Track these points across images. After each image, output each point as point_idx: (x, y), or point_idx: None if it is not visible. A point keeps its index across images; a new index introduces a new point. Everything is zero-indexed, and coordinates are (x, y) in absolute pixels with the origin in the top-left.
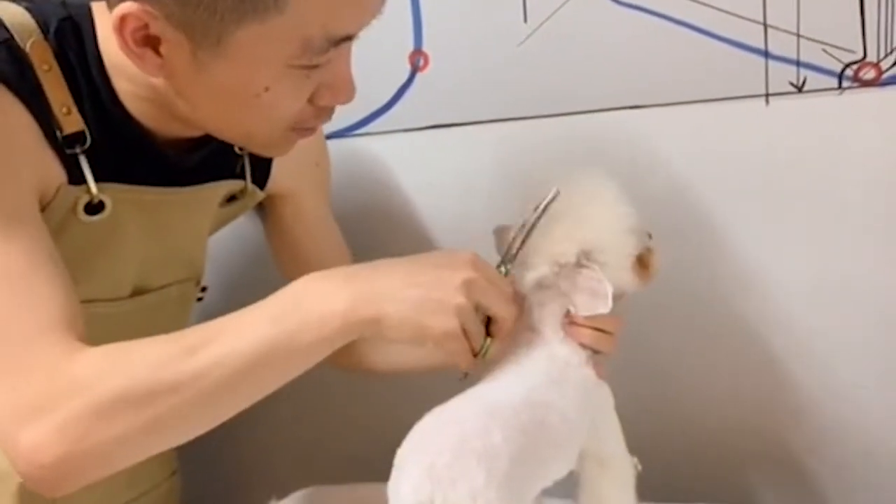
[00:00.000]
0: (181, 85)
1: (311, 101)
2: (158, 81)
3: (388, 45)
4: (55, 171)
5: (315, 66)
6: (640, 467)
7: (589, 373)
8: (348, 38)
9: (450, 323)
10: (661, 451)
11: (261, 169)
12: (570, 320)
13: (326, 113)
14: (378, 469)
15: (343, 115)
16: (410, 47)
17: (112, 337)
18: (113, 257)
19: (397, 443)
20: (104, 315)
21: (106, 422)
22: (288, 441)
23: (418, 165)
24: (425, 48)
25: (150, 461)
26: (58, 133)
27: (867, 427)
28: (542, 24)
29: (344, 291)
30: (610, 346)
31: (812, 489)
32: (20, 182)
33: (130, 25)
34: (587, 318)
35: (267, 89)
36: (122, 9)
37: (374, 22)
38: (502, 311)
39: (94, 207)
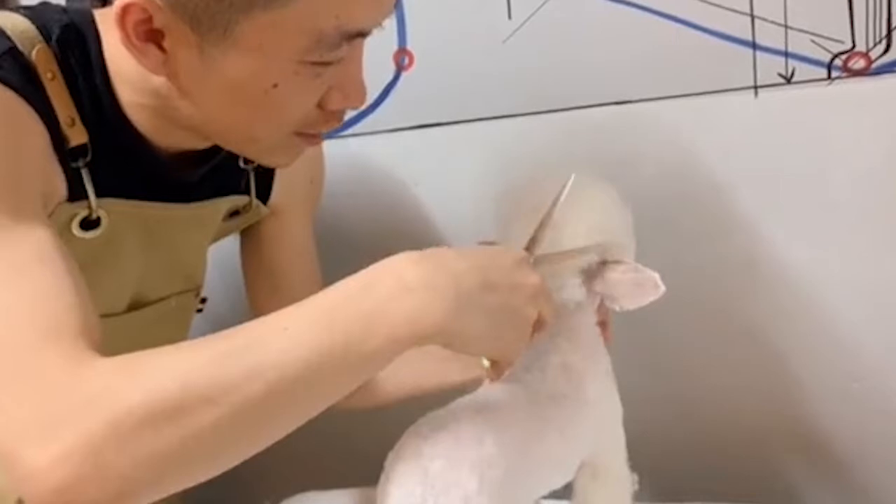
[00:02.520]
0: (185, 82)
1: (320, 105)
2: (160, 82)
3: (373, 45)
4: (58, 186)
5: (326, 64)
6: (637, 486)
7: (609, 383)
8: (361, 35)
9: (523, 338)
10: (673, 450)
11: (264, 184)
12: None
13: (335, 118)
14: (376, 472)
15: None
16: (395, 46)
17: (109, 352)
18: (108, 273)
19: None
20: (102, 332)
21: (125, 443)
22: (283, 445)
23: (405, 165)
24: (410, 47)
25: None
26: (64, 145)
27: (863, 423)
28: (526, 21)
29: (421, 292)
30: None
31: (829, 479)
32: (31, 186)
33: (133, 17)
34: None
35: (275, 86)
36: (122, 2)
37: None
38: (552, 314)
39: (90, 223)
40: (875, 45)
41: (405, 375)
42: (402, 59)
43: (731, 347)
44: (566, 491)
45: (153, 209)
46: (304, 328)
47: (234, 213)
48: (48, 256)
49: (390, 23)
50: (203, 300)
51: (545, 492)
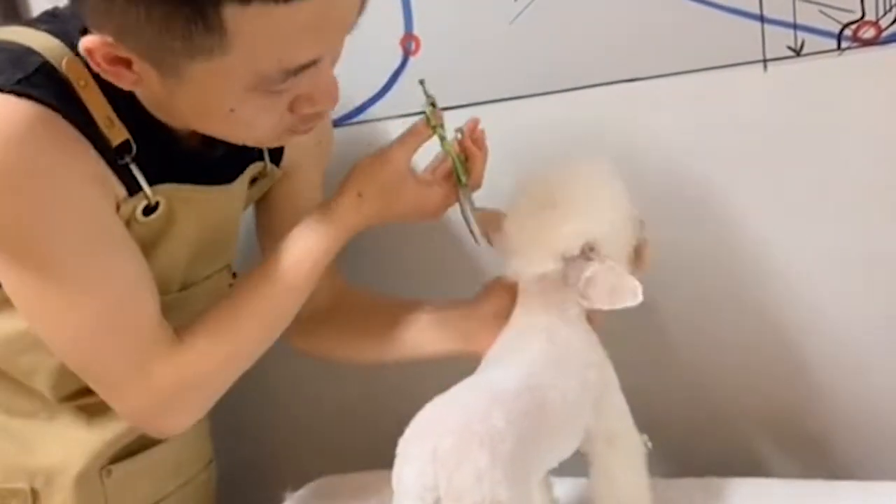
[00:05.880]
0: (160, 99)
1: (291, 109)
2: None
3: (379, 31)
4: (115, 187)
5: (280, 91)
6: (650, 445)
7: (598, 354)
8: (312, 64)
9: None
10: (674, 425)
11: (276, 147)
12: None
13: (313, 118)
14: (394, 455)
15: (339, 104)
16: (401, 32)
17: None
18: (166, 254)
19: None
20: None
21: (207, 398)
22: (303, 433)
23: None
24: (416, 31)
25: (190, 452)
26: (107, 147)
27: (878, 396)
28: (532, 1)
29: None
30: None
31: (825, 458)
32: (103, 198)
33: (99, 53)
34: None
35: (232, 110)
36: (86, 42)
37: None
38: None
39: (150, 209)
40: (885, 13)
41: (387, 343)
42: (409, 44)
43: (742, 325)
44: (580, 468)
45: (197, 192)
46: (306, 284)
47: (253, 181)
48: (133, 277)
49: (395, 7)
50: (234, 275)
51: (555, 462)
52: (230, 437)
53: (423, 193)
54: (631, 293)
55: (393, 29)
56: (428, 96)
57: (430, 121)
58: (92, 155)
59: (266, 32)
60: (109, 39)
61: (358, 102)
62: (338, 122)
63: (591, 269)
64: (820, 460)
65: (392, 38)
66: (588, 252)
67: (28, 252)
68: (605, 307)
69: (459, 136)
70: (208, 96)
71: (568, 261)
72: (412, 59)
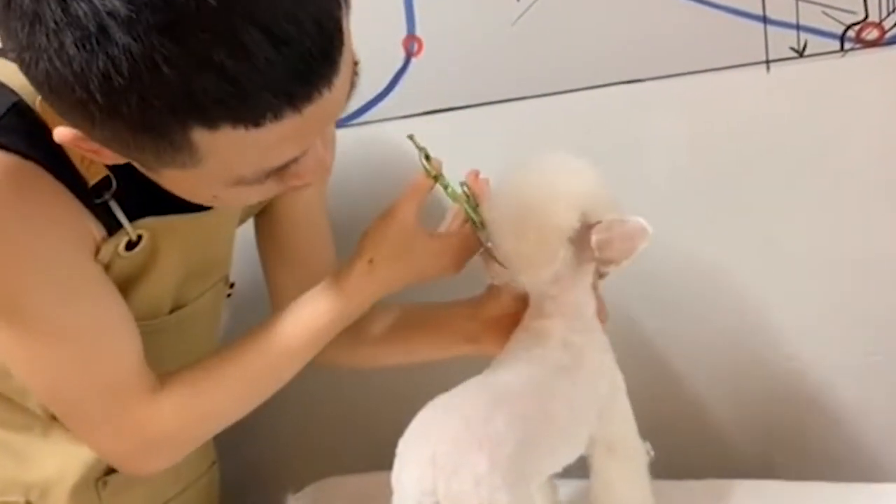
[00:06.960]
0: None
1: (280, 180)
2: None
3: (382, 32)
4: (93, 229)
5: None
6: (652, 453)
7: (609, 358)
8: (294, 161)
9: None
10: (677, 427)
11: None
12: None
13: (303, 187)
14: (393, 457)
15: None
16: (404, 33)
17: (154, 346)
18: (152, 284)
19: None
20: (145, 332)
21: (181, 449)
22: (304, 436)
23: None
24: (418, 33)
25: (191, 458)
26: (84, 187)
27: (880, 398)
28: (535, 2)
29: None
30: None
31: (828, 461)
32: (78, 246)
33: (77, 142)
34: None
35: (216, 196)
36: (59, 136)
37: (366, 9)
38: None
39: (132, 244)
40: (888, 14)
41: (391, 346)
42: (412, 45)
43: (744, 325)
44: (583, 471)
45: (183, 220)
46: (305, 351)
47: None
48: (112, 314)
49: (398, 8)
50: (231, 285)
51: (558, 468)
52: (231, 439)
53: (439, 245)
54: (640, 232)
55: (395, 30)
56: (420, 149)
57: (429, 171)
58: (67, 199)
59: (238, 150)
60: (80, 134)
61: (360, 104)
62: (339, 124)
63: (595, 232)
64: (823, 462)
65: (394, 39)
66: (586, 222)
67: (1, 303)
68: (629, 258)
69: (466, 189)
70: (189, 188)
71: (574, 241)
72: (414, 60)
